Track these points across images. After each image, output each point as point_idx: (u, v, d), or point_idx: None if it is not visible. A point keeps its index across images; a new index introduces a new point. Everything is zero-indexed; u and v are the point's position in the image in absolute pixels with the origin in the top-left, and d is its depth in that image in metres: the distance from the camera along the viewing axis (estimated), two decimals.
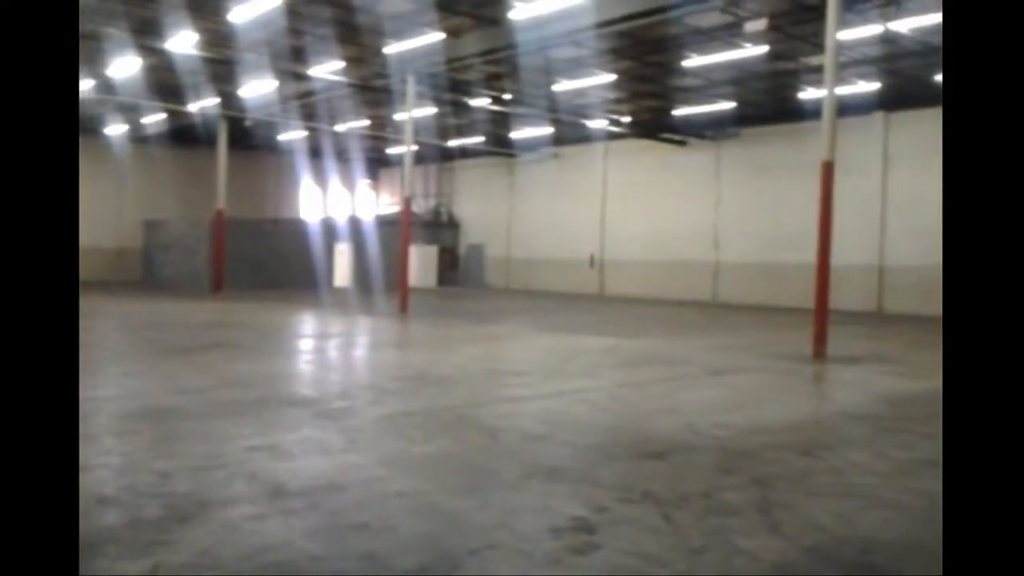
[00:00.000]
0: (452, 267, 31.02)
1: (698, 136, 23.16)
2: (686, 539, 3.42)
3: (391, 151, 30.65)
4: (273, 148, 29.36)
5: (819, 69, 13.11)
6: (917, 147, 19.08)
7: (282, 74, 18.18)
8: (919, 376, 8.61)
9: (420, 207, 31.79)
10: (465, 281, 30.79)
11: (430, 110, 21.56)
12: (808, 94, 18.33)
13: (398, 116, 22.26)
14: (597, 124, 22.84)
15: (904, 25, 13.18)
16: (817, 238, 10.19)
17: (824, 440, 5.46)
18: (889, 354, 10.73)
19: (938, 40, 14.09)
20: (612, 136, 24.51)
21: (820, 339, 9.94)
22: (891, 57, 15.74)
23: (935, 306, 18.45)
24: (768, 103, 20.25)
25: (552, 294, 25.50)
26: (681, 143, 23.65)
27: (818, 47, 13.00)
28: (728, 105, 20.29)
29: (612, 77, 17.85)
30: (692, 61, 16.04)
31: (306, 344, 11.17)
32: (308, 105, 22.12)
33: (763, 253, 21.85)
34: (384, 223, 27.54)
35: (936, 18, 12.69)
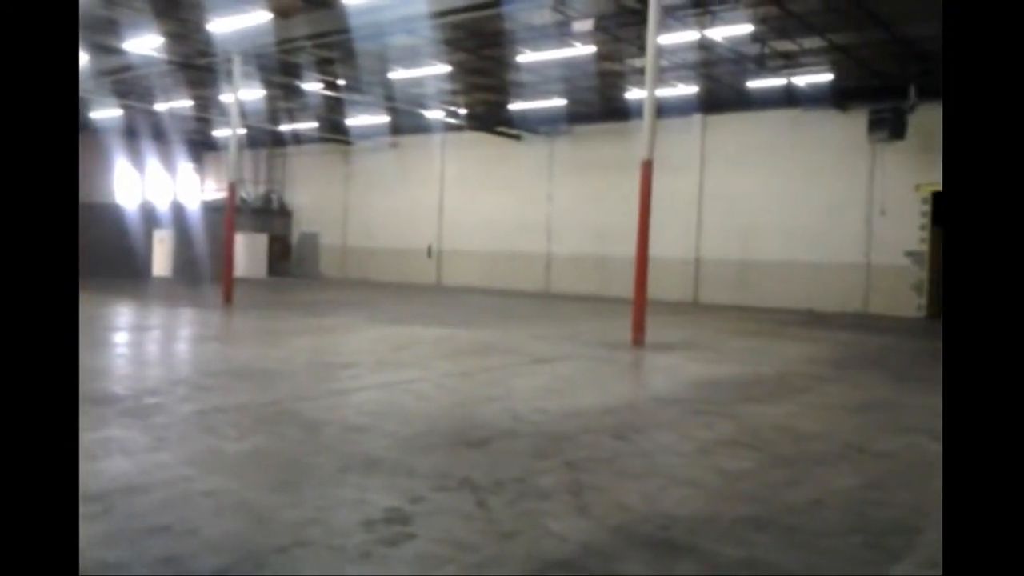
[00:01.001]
0: (284, 257, 29.98)
1: (532, 131, 23.69)
2: (498, 524, 3.49)
3: (217, 134, 29.11)
4: (84, 127, 27.10)
5: (642, 71, 13.76)
6: (730, 149, 20.51)
7: (94, 47, 16.79)
8: (725, 362, 9.27)
9: (249, 193, 30.46)
10: (298, 271, 29.86)
11: (259, 93, 20.68)
12: (633, 95, 19.19)
13: (224, 97, 21.19)
14: (434, 115, 22.82)
15: (718, 33, 14.08)
16: (638, 232, 10.69)
17: (636, 423, 5.75)
18: (701, 341, 11.47)
19: (747, 49, 15.20)
20: (450, 128, 24.58)
21: (639, 328, 10.46)
22: (708, 63, 16.79)
23: (743, 296, 19.95)
24: (597, 102, 21.03)
25: (389, 284, 25.26)
26: (516, 137, 24.10)
27: (642, 50, 13.64)
28: (560, 102, 20.88)
29: (447, 68, 17.88)
30: (526, 57, 16.36)
31: (117, 337, 10.41)
32: (124, 82, 20.58)
33: (592, 246, 22.72)
34: (209, 209, 26.16)
35: (745, 28, 13.66)
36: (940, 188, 17.78)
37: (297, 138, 28.36)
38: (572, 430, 5.37)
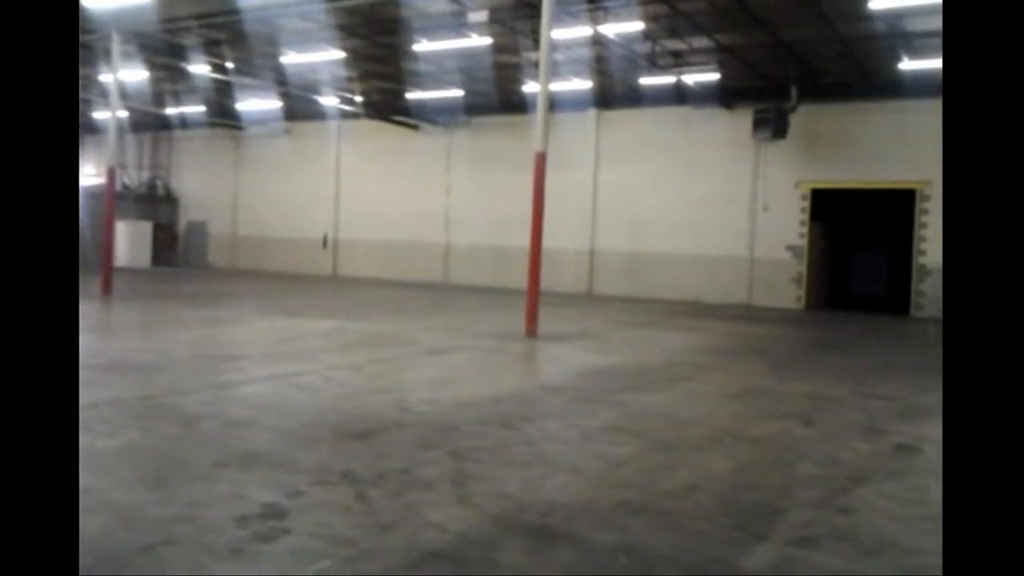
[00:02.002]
0: (170, 246, 28.73)
1: (431, 121, 23.53)
2: (377, 517, 3.47)
3: (97, 116, 27.55)
4: None
5: (538, 64, 13.88)
6: (624, 144, 20.98)
7: None
8: (614, 352, 9.50)
9: (132, 179, 29.03)
10: (185, 261, 28.69)
11: (142, 74, 19.69)
12: (530, 88, 19.34)
13: (104, 78, 20.08)
14: (330, 102, 22.33)
15: (611, 30, 14.35)
16: (532, 224, 10.79)
17: (523, 412, 5.82)
18: (592, 332, 11.71)
19: (639, 47, 15.56)
20: (346, 115, 24.11)
21: (532, 319, 10.59)
22: (601, 59, 17.09)
23: (635, 288, 20.48)
24: (495, 94, 21.07)
25: (283, 275, 24.59)
26: (414, 127, 23.88)
27: (537, 43, 13.75)
28: (458, 93, 20.82)
29: (342, 55, 17.52)
30: (422, 46, 16.22)
31: None
32: None
33: (490, 237, 22.80)
34: (88, 195, 24.75)
35: (636, 26, 13.98)
36: (818, 185, 18.76)
37: (184, 122, 27.17)
38: (460, 420, 5.38)
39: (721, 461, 4.71)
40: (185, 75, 19.81)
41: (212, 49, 17.84)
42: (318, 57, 17.65)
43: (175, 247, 28.92)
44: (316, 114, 24.40)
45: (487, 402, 6.09)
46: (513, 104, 21.39)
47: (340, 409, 5.66)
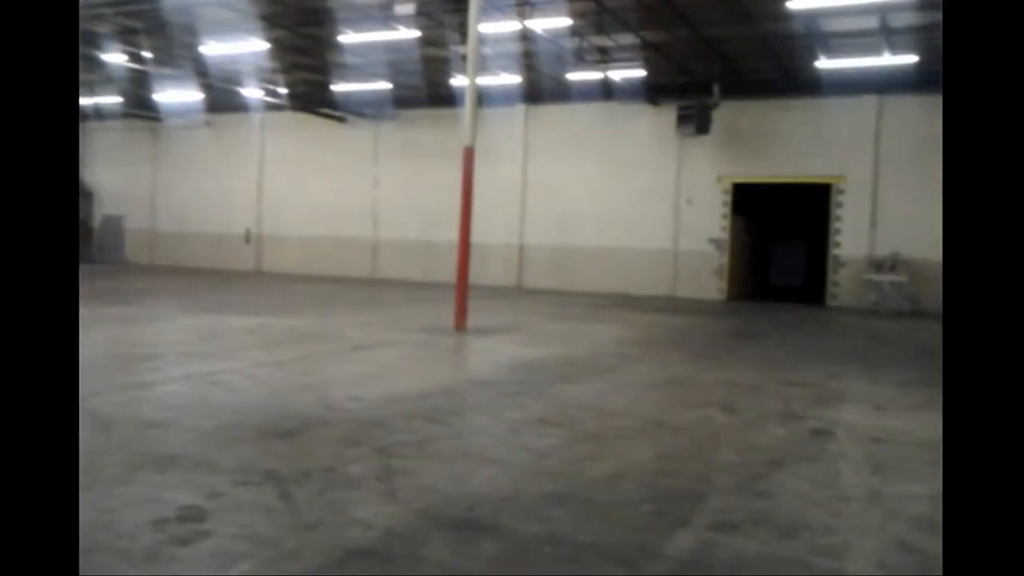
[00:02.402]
0: (84, 241, 27.61)
1: (358, 114, 23.21)
2: (301, 516, 3.42)
3: None
4: None
5: (466, 58, 13.84)
6: (552, 139, 21.12)
7: None
8: (542, 344, 9.57)
9: None
10: (100, 257, 27.61)
11: None
12: (459, 81, 19.27)
13: None
14: (253, 93, 21.79)
15: (538, 25, 14.41)
16: (460, 218, 10.78)
17: (451, 406, 5.81)
18: (520, 325, 11.77)
19: (567, 43, 15.68)
20: (270, 107, 23.57)
21: (461, 313, 10.58)
22: (530, 54, 17.15)
23: (564, 281, 20.67)
24: (423, 87, 20.93)
25: (204, 271, 23.91)
26: (341, 120, 23.52)
27: (465, 36, 13.71)
28: (386, 86, 20.59)
29: (266, 46, 17.12)
30: (348, 38, 15.98)
31: None
32: None
33: (420, 231, 22.66)
34: None
35: (563, 22, 14.07)
36: (739, 180, 19.26)
37: (99, 113, 26.11)
38: (387, 416, 5.34)
39: (645, 450, 4.81)
40: (100, 64, 19.03)
41: (129, 38, 17.20)
42: (240, 47, 17.20)
43: (89, 243, 27.80)
44: (239, 106, 23.79)
45: (414, 397, 6.06)
46: (442, 97, 21.28)
47: (263, 408, 5.54)
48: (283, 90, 22.06)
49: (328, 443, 4.65)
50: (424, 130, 22.64)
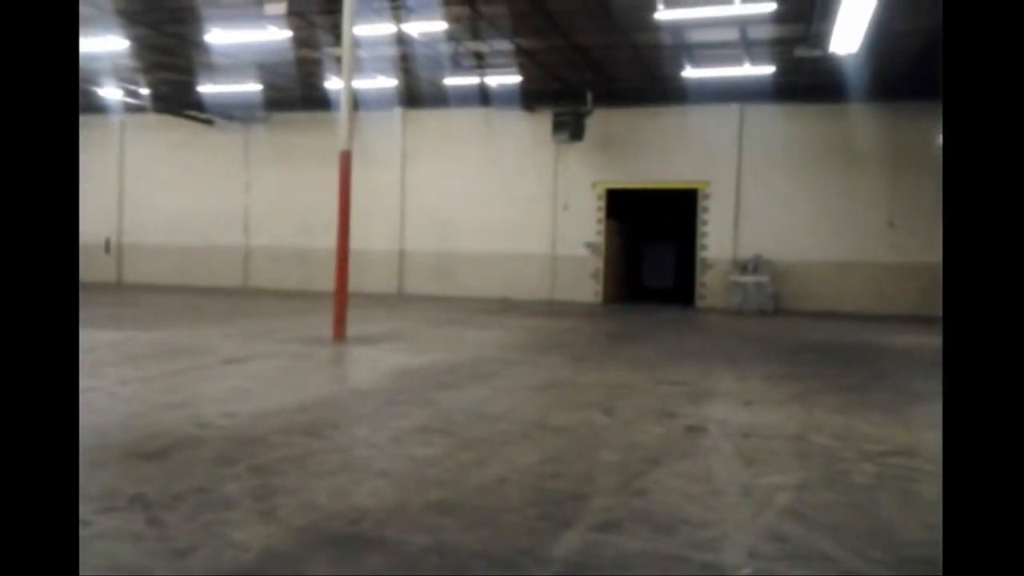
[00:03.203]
0: None
1: (227, 117, 22.35)
2: (172, 542, 3.23)
3: None
4: None
5: (341, 60, 13.59)
6: (430, 144, 21.07)
7: None
8: (424, 352, 9.51)
9: None
10: None
11: None
12: (334, 84, 18.90)
13: None
14: (111, 94, 20.57)
15: (414, 29, 14.33)
16: (338, 224, 10.56)
17: (331, 419, 5.67)
18: (402, 332, 11.66)
19: (443, 47, 15.67)
20: (130, 108, 22.33)
21: (340, 322, 10.35)
22: (406, 57, 17.04)
23: (445, 287, 20.64)
24: (297, 89, 20.39)
25: None
26: (208, 122, 22.57)
27: (339, 38, 13.46)
28: (256, 87, 19.93)
29: (125, 44, 16.20)
30: (215, 37, 15.35)
31: None
32: None
33: (295, 238, 22.05)
34: None
35: (439, 26, 14.06)
36: (612, 185, 19.83)
37: None
38: (263, 432, 5.15)
39: (529, 453, 4.85)
40: None
41: None
42: (97, 46, 16.19)
43: None
44: (95, 107, 22.41)
45: (292, 411, 5.87)
46: (317, 100, 20.82)
47: (128, 428, 5.22)
48: (145, 91, 20.95)
49: (200, 463, 4.42)
50: (299, 133, 22.07)
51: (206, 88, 20.27)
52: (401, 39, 15.27)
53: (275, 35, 14.95)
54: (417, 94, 20.18)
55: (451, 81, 18.02)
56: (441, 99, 19.87)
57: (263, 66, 18.13)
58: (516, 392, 7.00)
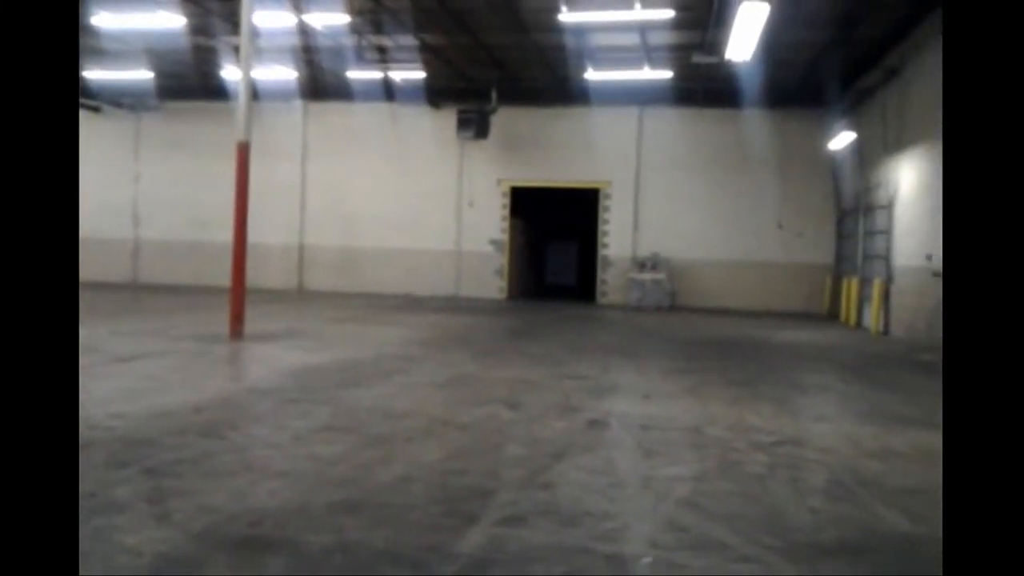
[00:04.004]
0: None
1: (115, 104, 21.28)
2: None
3: None
4: None
5: (239, 49, 13.15)
6: (334, 138, 20.69)
7: None
8: (325, 349, 9.34)
9: None
10: None
11: None
12: (231, 73, 18.28)
13: None
14: None
15: (316, 20, 14.03)
16: (235, 218, 10.23)
17: (228, 419, 5.50)
18: (302, 329, 11.41)
19: (346, 39, 15.40)
20: None
21: (237, 318, 10.04)
22: (308, 49, 16.66)
23: (347, 282, 20.31)
24: (191, 78, 19.64)
25: None
26: (95, 109, 21.43)
27: (237, 26, 13.02)
28: (147, 75, 19.05)
29: None
30: (102, 20, 14.57)
31: None
32: None
33: (189, 231, 21.24)
34: None
35: (342, 18, 13.81)
36: (517, 183, 19.98)
37: None
38: (156, 434, 4.94)
39: (433, 450, 4.84)
40: None
41: None
42: None
43: None
44: None
45: (187, 411, 5.66)
46: (213, 90, 20.09)
47: None
48: None
49: (89, 466, 4.20)
50: (194, 123, 21.24)
51: (93, 73, 19.23)
52: (303, 30, 14.92)
53: (168, 21, 14.32)
54: (319, 86, 19.77)
55: (354, 74, 17.74)
56: (344, 92, 19.52)
57: (155, 52, 17.36)
58: (420, 389, 6.97)
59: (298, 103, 20.52)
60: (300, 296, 18.87)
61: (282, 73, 17.97)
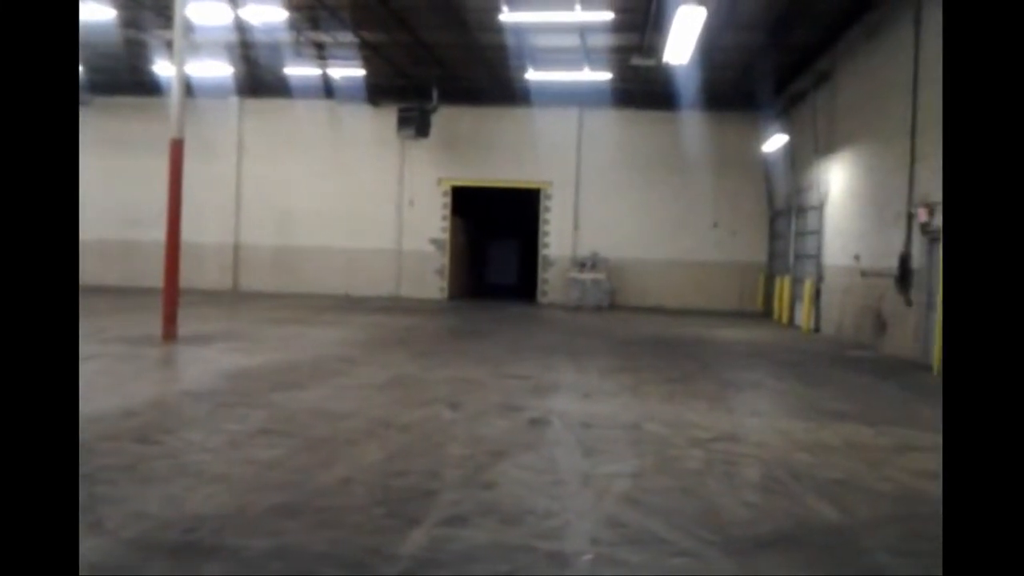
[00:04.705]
0: None
1: None
2: None
3: None
4: None
5: (172, 44, 12.81)
6: (271, 135, 20.32)
7: None
8: (262, 351, 9.17)
9: None
10: None
11: None
12: (164, 69, 17.79)
13: None
14: None
15: (253, 15, 13.75)
16: (168, 217, 9.96)
17: (163, 424, 5.36)
18: (238, 331, 11.18)
19: (284, 36, 15.14)
20: None
21: (170, 319, 9.78)
22: (245, 44, 16.31)
23: (285, 283, 19.97)
24: (123, 72, 19.04)
25: None
26: None
27: (170, 20, 12.68)
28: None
29: None
30: None
31: None
32: None
33: (121, 230, 20.59)
34: None
35: (279, 14, 13.57)
36: (457, 183, 19.94)
37: None
38: (87, 439, 4.78)
39: (375, 452, 4.80)
40: None
41: None
42: None
43: None
44: None
45: (118, 416, 5.49)
46: (145, 85, 19.51)
47: None
48: None
49: None
50: (125, 120, 20.60)
51: None
52: (239, 25, 14.61)
53: (98, 13, 13.84)
54: (256, 83, 19.37)
55: (292, 71, 17.45)
56: (282, 89, 19.17)
57: (85, 45, 16.75)
58: (360, 390, 6.90)
59: (234, 100, 20.09)
60: (236, 297, 18.48)
61: (217, 69, 17.56)
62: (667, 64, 12.72)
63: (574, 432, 5.54)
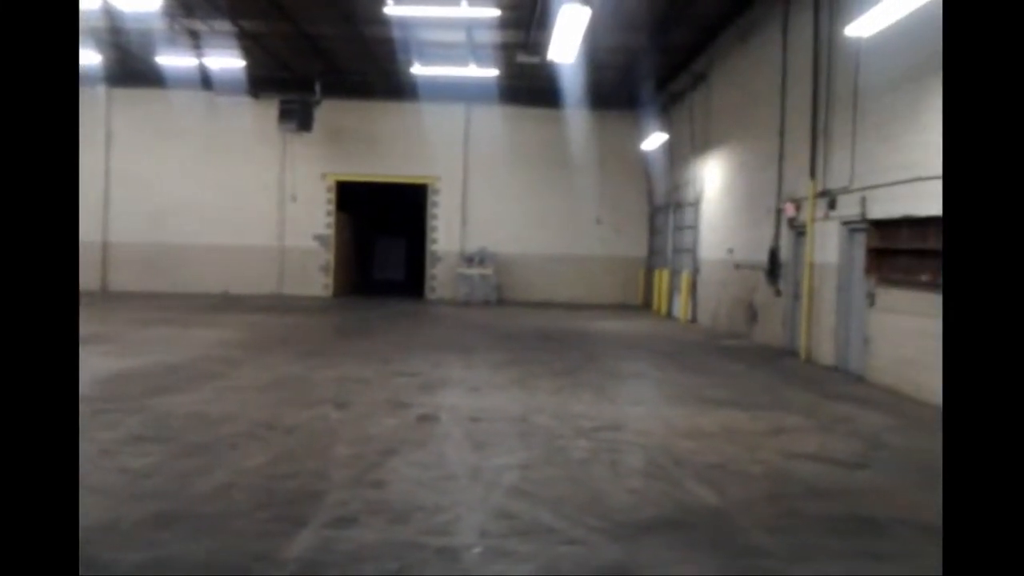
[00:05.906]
0: None
1: None
2: None
3: None
4: None
5: None
6: (142, 127, 19.31)
7: None
8: (135, 354, 8.73)
9: None
10: None
11: None
12: None
13: None
14: None
15: (123, 1, 13.00)
16: None
17: None
18: (108, 333, 10.60)
19: (156, 22, 14.40)
20: None
21: None
22: (113, 31, 15.42)
23: (158, 282, 19.05)
24: None
25: None
26: None
27: None
28: None
29: None
30: None
31: None
32: None
33: None
34: None
35: (152, 1, 12.89)
36: (343, 178, 19.57)
37: None
38: None
39: (257, 455, 4.67)
40: None
41: None
42: None
43: None
44: None
45: None
46: None
47: None
48: None
49: None
50: None
51: None
52: (106, 10, 13.78)
53: None
54: (127, 72, 18.33)
55: (166, 60, 16.62)
56: (155, 79, 18.19)
57: None
58: (241, 392, 6.68)
59: (101, 89, 18.96)
60: (105, 297, 17.49)
61: (82, 57, 16.51)
62: (552, 62, 12.89)
63: (463, 427, 5.56)
